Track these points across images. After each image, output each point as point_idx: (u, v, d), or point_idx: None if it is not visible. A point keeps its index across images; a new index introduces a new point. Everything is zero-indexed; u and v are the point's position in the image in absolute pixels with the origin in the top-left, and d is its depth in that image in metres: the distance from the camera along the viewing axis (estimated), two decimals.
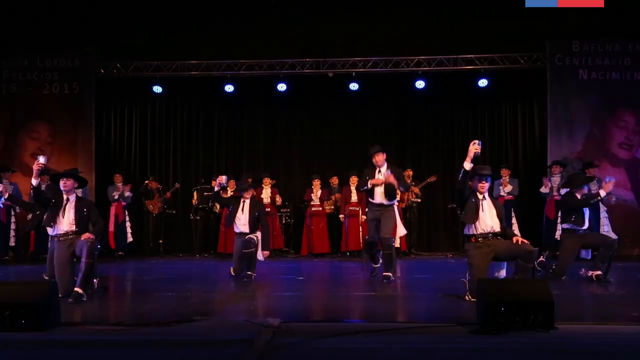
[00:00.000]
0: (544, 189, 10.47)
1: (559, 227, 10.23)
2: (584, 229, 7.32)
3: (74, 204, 6.31)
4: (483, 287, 4.55)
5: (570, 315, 5.11)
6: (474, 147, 5.62)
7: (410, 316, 5.51)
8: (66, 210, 6.27)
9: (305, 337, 4.20)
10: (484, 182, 5.88)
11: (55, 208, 6.29)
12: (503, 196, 10.48)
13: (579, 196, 7.28)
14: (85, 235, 6.08)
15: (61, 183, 6.32)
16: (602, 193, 7.47)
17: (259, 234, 7.78)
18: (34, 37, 11.29)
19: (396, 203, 7.61)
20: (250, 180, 8.42)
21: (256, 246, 7.65)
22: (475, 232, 5.85)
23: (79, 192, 7.21)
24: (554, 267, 7.38)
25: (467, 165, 5.68)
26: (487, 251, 5.80)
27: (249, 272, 7.63)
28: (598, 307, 5.96)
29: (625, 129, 11.05)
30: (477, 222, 5.82)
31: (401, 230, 7.69)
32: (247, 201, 7.80)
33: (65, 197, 6.31)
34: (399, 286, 7.25)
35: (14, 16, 10.81)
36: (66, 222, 6.26)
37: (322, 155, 12.57)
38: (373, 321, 5.00)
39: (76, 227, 6.24)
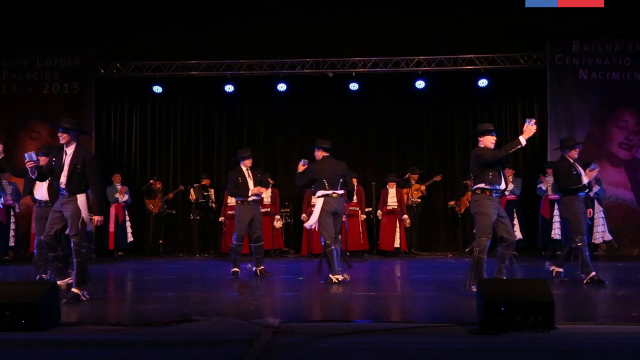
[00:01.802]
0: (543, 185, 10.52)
1: (555, 225, 10.33)
2: (586, 193, 7.39)
3: (70, 158, 5.82)
4: (483, 286, 4.55)
5: (570, 315, 5.12)
6: (533, 127, 6.04)
7: (410, 316, 5.49)
8: (64, 167, 5.81)
9: (305, 337, 4.21)
10: (494, 135, 6.44)
11: (57, 177, 5.87)
12: (505, 195, 10.48)
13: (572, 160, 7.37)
14: (72, 234, 5.82)
15: (59, 135, 5.91)
16: (585, 180, 7.24)
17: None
18: (34, 37, 11.27)
19: (316, 195, 7.54)
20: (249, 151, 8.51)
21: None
22: (491, 187, 6.30)
23: None
24: (577, 240, 7.04)
25: (524, 140, 6.09)
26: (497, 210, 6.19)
27: (262, 267, 8.19)
28: (598, 307, 5.97)
29: (625, 129, 11.03)
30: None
31: (311, 221, 7.54)
32: (249, 170, 8.18)
33: (64, 150, 5.88)
34: (399, 286, 7.25)
35: (14, 16, 10.80)
36: (60, 180, 5.81)
37: None
38: (373, 321, 5.00)
39: (66, 186, 5.75)
